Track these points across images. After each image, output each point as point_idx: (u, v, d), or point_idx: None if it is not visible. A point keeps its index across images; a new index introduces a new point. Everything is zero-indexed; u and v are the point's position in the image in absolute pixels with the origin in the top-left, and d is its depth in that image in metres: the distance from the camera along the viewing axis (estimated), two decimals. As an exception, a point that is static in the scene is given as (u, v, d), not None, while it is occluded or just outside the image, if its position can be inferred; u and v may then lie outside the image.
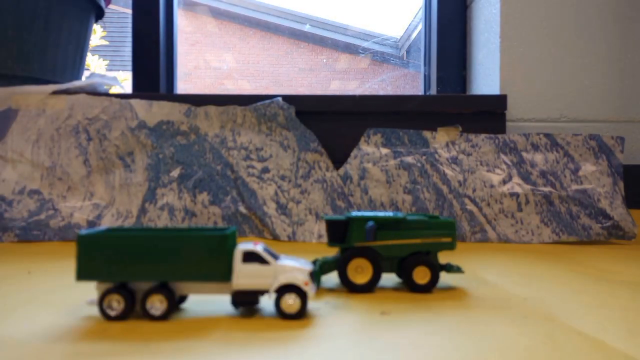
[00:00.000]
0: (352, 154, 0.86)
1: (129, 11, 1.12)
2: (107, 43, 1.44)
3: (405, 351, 0.32)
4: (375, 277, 0.46)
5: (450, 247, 0.47)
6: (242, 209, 0.82)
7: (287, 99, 0.88)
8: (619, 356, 0.31)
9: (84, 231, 0.38)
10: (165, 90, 1.13)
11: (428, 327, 0.37)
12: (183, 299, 0.42)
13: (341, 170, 0.85)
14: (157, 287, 0.38)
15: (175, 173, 0.84)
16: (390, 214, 0.48)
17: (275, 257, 0.40)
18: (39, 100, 0.85)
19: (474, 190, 0.83)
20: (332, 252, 0.71)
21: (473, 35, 1.08)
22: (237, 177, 0.84)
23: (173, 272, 0.38)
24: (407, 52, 1.34)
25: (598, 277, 0.55)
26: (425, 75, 1.17)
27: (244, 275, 0.38)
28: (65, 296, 0.45)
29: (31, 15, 0.88)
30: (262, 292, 0.39)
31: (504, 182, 0.84)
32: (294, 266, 0.39)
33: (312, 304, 0.43)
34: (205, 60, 1.32)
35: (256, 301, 0.39)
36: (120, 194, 0.83)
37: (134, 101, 0.86)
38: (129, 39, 1.11)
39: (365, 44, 1.35)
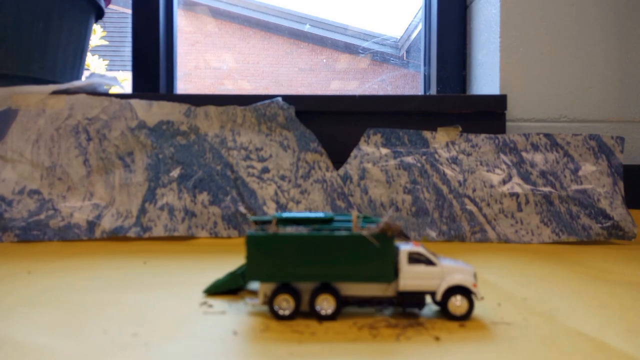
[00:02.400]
0: (352, 154, 0.86)
1: (129, 11, 1.11)
2: (107, 43, 1.44)
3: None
4: None
5: None
6: (242, 209, 0.82)
7: (287, 99, 0.88)
8: (619, 356, 0.31)
9: (252, 232, 0.39)
10: (165, 90, 1.13)
11: (427, 330, 0.37)
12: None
13: (341, 171, 0.85)
14: (324, 287, 0.38)
15: (175, 173, 0.84)
16: (320, 214, 0.48)
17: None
18: (39, 100, 0.85)
19: (474, 190, 0.83)
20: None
21: (473, 35, 1.08)
22: (237, 177, 0.84)
23: (339, 272, 0.38)
24: (407, 52, 1.34)
25: (598, 277, 0.55)
26: (425, 75, 1.17)
27: (411, 277, 0.38)
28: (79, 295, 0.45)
29: (31, 15, 0.88)
30: (428, 294, 0.39)
31: (504, 182, 0.84)
32: (459, 267, 0.39)
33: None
34: (205, 60, 1.32)
35: (423, 302, 0.39)
36: (120, 194, 0.83)
37: (134, 101, 0.86)
38: (129, 39, 1.11)
39: (365, 44, 1.35)
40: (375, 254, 0.38)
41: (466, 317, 0.38)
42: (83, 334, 0.35)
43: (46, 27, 0.89)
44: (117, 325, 0.37)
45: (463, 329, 0.37)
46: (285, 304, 0.38)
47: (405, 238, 0.51)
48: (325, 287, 0.38)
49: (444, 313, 0.38)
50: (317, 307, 0.38)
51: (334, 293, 0.38)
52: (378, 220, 0.48)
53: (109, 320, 0.38)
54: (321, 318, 0.38)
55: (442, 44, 1.11)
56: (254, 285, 0.49)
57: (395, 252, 0.39)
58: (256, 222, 0.47)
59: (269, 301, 0.38)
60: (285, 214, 0.47)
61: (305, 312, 0.39)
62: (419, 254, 0.39)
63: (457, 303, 0.38)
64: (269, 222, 0.46)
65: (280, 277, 0.38)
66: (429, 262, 0.39)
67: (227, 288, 0.46)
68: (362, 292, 0.39)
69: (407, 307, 0.39)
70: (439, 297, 0.38)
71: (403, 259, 0.39)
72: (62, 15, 0.91)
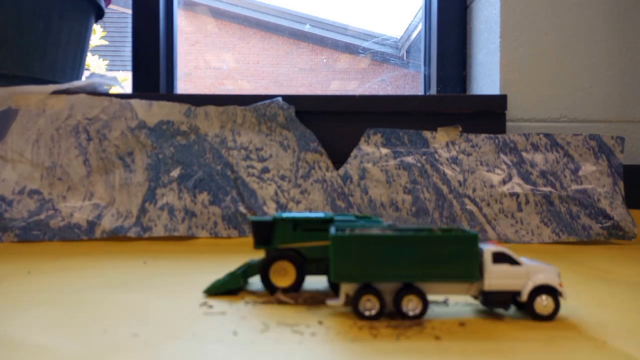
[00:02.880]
0: (352, 154, 0.86)
1: (129, 11, 1.11)
2: (107, 43, 1.44)
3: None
4: (299, 280, 0.45)
5: None
6: (242, 209, 0.82)
7: (287, 99, 0.88)
8: (619, 356, 0.31)
9: (336, 232, 0.39)
10: (165, 90, 1.13)
11: (427, 330, 0.37)
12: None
13: (341, 170, 0.85)
14: (407, 287, 0.38)
15: (175, 173, 0.84)
16: (320, 214, 0.47)
17: None
18: (39, 100, 0.85)
19: (474, 190, 0.83)
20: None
21: (473, 35, 1.08)
22: (237, 177, 0.84)
23: (423, 272, 0.38)
24: (407, 52, 1.34)
25: (598, 277, 0.55)
26: (425, 75, 1.17)
27: (496, 276, 0.38)
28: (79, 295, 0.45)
29: (31, 15, 0.88)
30: (513, 293, 0.39)
31: (504, 182, 0.84)
32: (543, 267, 0.39)
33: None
34: (205, 60, 1.32)
35: (508, 302, 0.39)
36: (120, 194, 0.83)
37: (134, 101, 0.86)
38: (129, 39, 1.11)
39: (365, 44, 1.35)
40: (462, 254, 0.38)
41: (552, 317, 0.38)
42: (83, 334, 0.35)
43: (46, 27, 0.89)
44: (117, 325, 0.37)
45: (463, 329, 0.37)
46: (370, 304, 0.38)
47: None
48: (409, 288, 0.38)
49: (530, 313, 0.39)
50: (404, 308, 0.38)
51: (419, 293, 0.38)
52: (378, 219, 0.48)
53: (109, 320, 0.38)
54: (409, 319, 0.38)
55: (442, 44, 1.11)
56: (255, 285, 0.49)
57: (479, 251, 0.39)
58: (254, 222, 0.46)
59: (354, 302, 0.38)
60: (285, 214, 0.47)
61: (390, 313, 0.39)
62: (503, 253, 0.39)
63: (544, 303, 0.38)
64: (269, 222, 0.46)
65: (365, 277, 0.38)
66: (514, 262, 0.39)
67: (227, 288, 0.46)
68: (443, 292, 0.39)
69: (492, 306, 0.39)
70: (524, 297, 0.38)
71: (487, 258, 0.39)
72: (62, 15, 0.91)
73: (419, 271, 0.38)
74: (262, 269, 0.45)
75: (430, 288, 0.39)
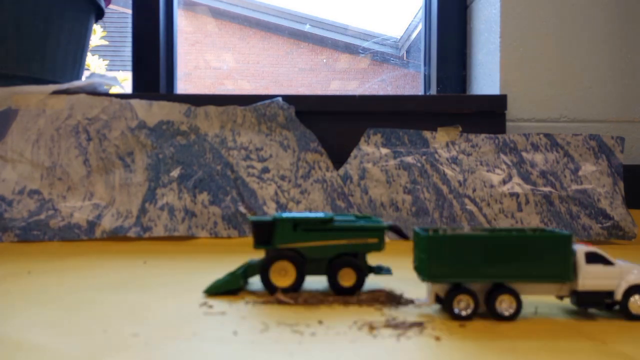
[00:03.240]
0: (352, 154, 0.86)
1: (129, 11, 1.11)
2: (107, 43, 1.44)
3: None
4: (299, 280, 0.45)
5: (377, 248, 0.46)
6: (242, 209, 0.82)
7: (287, 99, 0.88)
8: (619, 356, 0.31)
9: (423, 231, 0.40)
10: (165, 90, 1.13)
11: (428, 330, 0.37)
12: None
13: (341, 170, 0.85)
14: (499, 287, 0.38)
15: (175, 173, 0.84)
16: (320, 214, 0.47)
17: None
18: (39, 100, 0.85)
19: (474, 190, 0.83)
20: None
21: (473, 35, 1.08)
22: (237, 177, 0.84)
23: (517, 272, 0.38)
24: (407, 52, 1.34)
25: (598, 277, 0.55)
26: (425, 75, 1.17)
27: (590, 276, 0.39)
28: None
29: (31, 15, 0.88)
30: (606, 293, 0.39)
31: (504, 182, 0.84)
32: (635, 266, 0.39)
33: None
34: (205, 60, 1.32)
35: (602, 302, 0.39)
36: (120, 194, 0.83)
37: (134, 101, 0.86)
38: (129, 39, 1.11)
39: (365, 44, 1.35)
40: (556, 254, 0.38)
41: None
42: (83, 334, 0.35)
43: (46, 27, 0.89)
44: (117, 325, 0.37)
45: (463, 329, 0.37)
46: (463, 304, 0.38)
47: (404, 237, 0.51)
48: (500, 288, 0.38)
49: (624, 313, 0.39)
50: (498, 308, 0.38)
51: (512, 293, 0.38)
52: (378, 219, 0.48)
53: (109, 320, 0.38)
54: (503, 319, 0.38)
55: (442, 44, 1.11)
56: (255, 285, 0.49)
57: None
58: (254, 222, 0.46)
59: (447, 302, 0.38)
60: (285, 214, 0.47)
61: (482, 313, 0.39)
62: (596, 253, 0.39)
63: (638, 303, 0.38)
64: (269, 222, 0.46)
65: (458, 277, 0.39)
66: (607, 262, 0.39)
67: (227, 288, 0.46)
68: (533, 292, 0.39)
69: (586, 307, 0.39)
70: (619, 296, 0.38)
71: (581, 258, 0.39)
72: (62, 15, 0.91)
73: (513, 271, 0.38)
74: (262, 269, 0.45)
75: (521, 288, 0.39)
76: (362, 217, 0.50)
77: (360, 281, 0.45)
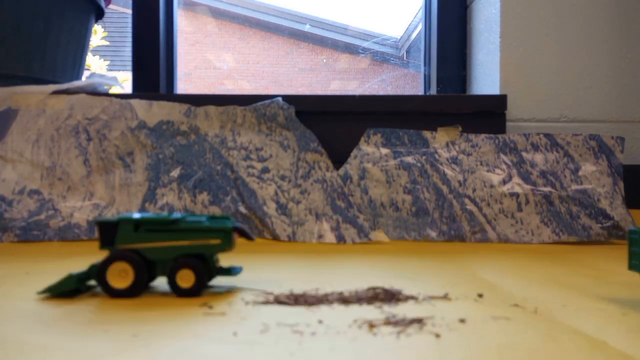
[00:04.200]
0: (352, 154, 0.86)
1: (129, 11, 1.12)
2: (107, 43, 1.44)
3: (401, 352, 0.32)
4: (138, 282, 0.44)
5: (221, 249, 0.45)
6: (242, 209, 0.82)
7: (287, 99, 0.88)
8: (619, 356, 0.31)
9: (635, 227, 0.42)
10: (165, 90, 1.13)
11: (428, 327, 0.37)
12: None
13: (341, 170, 0.85)
14: None
15: (175, 173, 0.84)
16: (164, 214, 0.46)
17: None
18: (39, 100, 0.85)
19: (474, 190, 0.83)
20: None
21: (473, 35, 1.08)
22: (237, 177, 0.84)
23: None
24: (407, 52, 1.34)
25: (598, 277, 0.55)
26: (425, 75, 1.17)
27: None
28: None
29: (31, 15, 0.88)
30: None
31: (504, 182, 0.84)
32: None
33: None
34: (205, 60, 1.32)
35: None
36: (120, 194, 0.83)
37: (134, 101, 0.86)
38: (129, 39, 1.11)
39: (365, 44, 1.35)
40: None
41: None
42: (83, 334, 0.35)
43: (46, 27, 0.89)
44: (117, 325, 0.37)
45: (464, 326, 0.37)
46: None
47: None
48: None
49: None
50: None
51: None
52: (229, 221, 0.46)
53: (109, 320, 0.38)
54: None
55: (442, 44, 1.11)
56: (255, 285, 0.49)
57: None
58: (98, 223, 0.45)
59: None
60: (131, 215, 0.46)
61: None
62: None
63: None
64: (113, 223, 0.45)
65: None
66: None
67: (60, 290, 0.44)
68: None
69: None
70: None
71: None
72: (62, 15, 0.91)
73: None
74: (99, 270, 0.44)
75: None
76: (220, 217, 0.48)
77: (199, 282, 0.44)
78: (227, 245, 0.45)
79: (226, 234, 0.45)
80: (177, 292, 0.45)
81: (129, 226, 0.45)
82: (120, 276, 0.44)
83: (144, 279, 0.44)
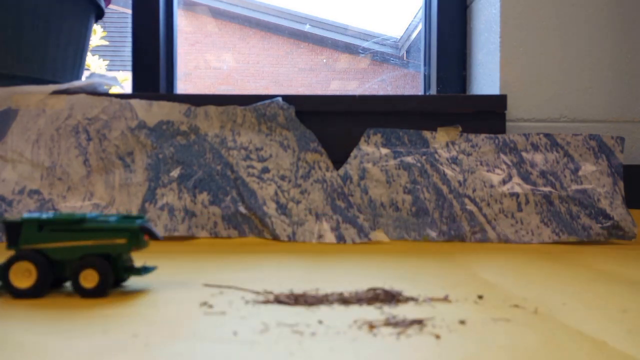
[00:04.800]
0: (352, 154, 0.86)
1: (129, 11, 1.12)
2: (107, 43, 1.44)
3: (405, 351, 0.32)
4: (42, 281, 0.44)
5: (127, 249, 0.45)
6: (242, 209, 0.82)
7: (287, 99, 0.88)
8: (619, 356, 0.31)
9: None
10: (165, 90, 1.13)
11: (428, 328, 0.37)
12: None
13: (341, 170, 0.85)
14: None
15: (175, 173, 0.84)
16: (69, 214, 0.46)
17: None
18: (39, 100, 0.85)
19: (474, 190, 0.83)
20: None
21: (473, 35, 1.08)
22: (237, 177, 0.84)
23: None
24: (407, 52, 1.34)
25: (598, 277, 0.55)
26: (425, 75, 1.17)
27: None
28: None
29: (31, 15, 0.88)
30: None
31: (504, 182, 0.84)
32: None
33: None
34: (205, 60, 1.32)
35: None
36: (120, 194, 0.83)
37: (134, 101, 0.86)
38: (129, 39, 1.11)
39: (365, 44, 1.35)
40: None
41: None
42: (83, 334, 0.35)
43: (46, 27, 0.89)
44: (117, 325, 0.37)
45: (464, 327, 0.37)
46: None
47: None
48: None
49: None
50: None
51: None
52: (138, 220, 0.46)
53: (109, 320, 0.38)
54: None
55: (442, 44, 1.11)
56: (254, 285, 0.49)
57: None
58: (4, 223, 0.45)
59: None
60: (35, 214, 0.45)
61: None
62: None
63: None
64: (17, 222, 0.45)
65: None
66: None
67: None
68: None
69: None
70: None
71: None
72: (62, 15, 0.91)
73: None
74: (2, 270, 0.44)
75: None
76: (135, 217, 0.48)
77: (104, 282, 0.44)
78: (133, 244, 0.45)
79: (132, 233, 0.45)
80: (81, 292, 0.44)
81: (33, 226, 0.45)
82: (25, 276, 0.44)
83: (48, 279, 0.44)
